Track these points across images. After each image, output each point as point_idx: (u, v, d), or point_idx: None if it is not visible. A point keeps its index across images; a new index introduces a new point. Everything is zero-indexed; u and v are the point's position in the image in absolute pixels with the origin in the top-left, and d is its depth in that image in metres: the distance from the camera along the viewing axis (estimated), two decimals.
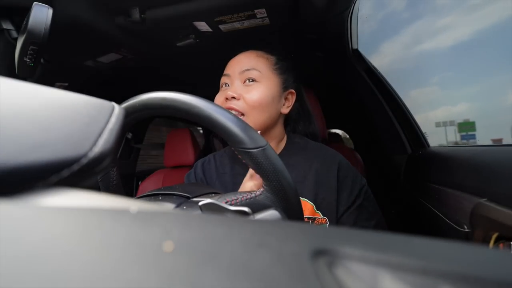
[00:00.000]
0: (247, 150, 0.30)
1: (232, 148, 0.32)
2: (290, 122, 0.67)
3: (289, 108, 0.61)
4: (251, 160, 0.31)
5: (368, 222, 0.53)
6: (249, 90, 0.55)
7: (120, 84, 1.18)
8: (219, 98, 0.58)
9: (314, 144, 0.62)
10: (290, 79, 0.62)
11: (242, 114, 0.54)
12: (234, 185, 0.59)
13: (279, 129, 0.61)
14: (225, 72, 0.60)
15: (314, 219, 0.53)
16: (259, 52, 0.61)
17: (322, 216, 0.53)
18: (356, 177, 0.56)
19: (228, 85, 0.59)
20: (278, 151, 0.61)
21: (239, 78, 0.57)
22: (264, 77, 0.57)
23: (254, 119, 0.54)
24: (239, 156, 0.32)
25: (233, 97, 0.55)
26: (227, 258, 0.08)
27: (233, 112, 0.53)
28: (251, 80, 0.56)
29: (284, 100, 0.61)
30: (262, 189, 0.33)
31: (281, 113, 0.60)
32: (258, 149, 0.30)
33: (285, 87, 0.60)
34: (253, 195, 0.33)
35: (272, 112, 0.57)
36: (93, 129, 0.15)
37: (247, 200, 0.32)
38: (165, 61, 1.04)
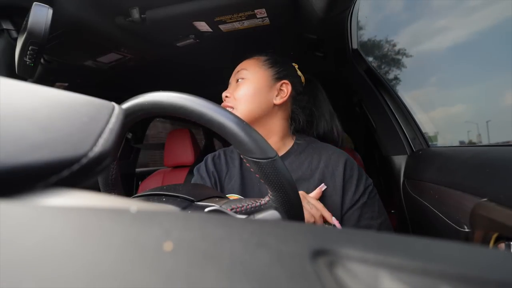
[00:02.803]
0: (256, 160, 0.30)
1: (241, 156, 0.32)
2: (296, 120, 0.67)
3: (283, 99, 0.63)
4: (259, 170, 0.31)
5: (372, 221, 0.54)
6: (237, 87, 0.63)
7: (120, 84, 1.18)
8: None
9: (321, 144, 0.64)
10: (283, 71, 0.64)
11: (232, 108, 0.61)
12: (242, 179, 0.61)
13: (276, 122, 0.63)
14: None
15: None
16: (252, 56, 0.67)
17: None
18: (361, 176, 0.57)
19: None
20: (286, 149, 0.63)
21: (232, 80, 0.66)
22: (250, 73, 0.63)
23: (242, 110, 0.60)
24: (248, 164, 0.32)
25: (227, 96, 0.63)
26: (227, 258, 0.08)
27: (228, 108, 0.59)
28: (239, 79, 0.64)
29: (277, 91, 0.63)
30: (267, 199, 0.33)
31: (274, 104, 0.62)
32: (267, 160, 0.30)
33: (276, 78, 0.63)
34: (258, 203, 0.33)
35: (261, 103, 0.61)
36: (93, 129, 0.15)
37: (252, 208, 0.32)
38: (165, 61, 1.04)
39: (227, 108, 0.56)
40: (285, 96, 0.63)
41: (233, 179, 0.62)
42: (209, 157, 0.68)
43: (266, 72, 0.63)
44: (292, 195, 0.32)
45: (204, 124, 0.31)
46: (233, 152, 0.68)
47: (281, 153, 0.62)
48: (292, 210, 0.33)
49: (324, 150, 0.61)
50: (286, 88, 0.63)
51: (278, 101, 0.62)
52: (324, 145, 0.64)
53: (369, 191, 0.56)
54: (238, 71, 0.65)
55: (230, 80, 0.67)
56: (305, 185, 0.56)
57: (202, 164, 0.67)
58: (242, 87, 0.62)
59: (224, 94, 0.64)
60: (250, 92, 0.61)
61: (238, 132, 0.30)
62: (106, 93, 1.19)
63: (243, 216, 0.28)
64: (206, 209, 0.28)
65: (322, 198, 0.55)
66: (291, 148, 0.63)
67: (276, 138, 0.63)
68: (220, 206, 0.30)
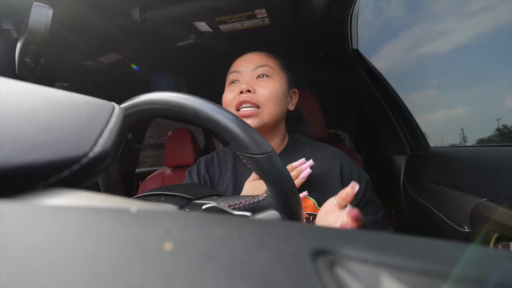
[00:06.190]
0: (252, 155, 0.30)
1: (238, 153, 0.32)
2: (290, 121, 0.68)
3: (294, 105, 0.64)
4: (256, 166, 0.31)
5: (377, 215, 0.55)
6: (263, 85, 0.57)
7: (120, 84, 1.18)
8: (230, 94, 0.58)
9: (315, 143, 0.64)
10: (293, 79, 0.65)
11: (258, 107, 0.55)
12: (235, 182, 0.60)
13: (283, 126, 0.64)
14: (235, 69, 0.61)
15: (315, 215, 0.53)
16: (267, 53, 0.63)
17: None
18: (360, 173, 0.58)
19: (238, 81, 0.60)
20: (281, 148, 0.63)
21: (251, 74, 0.59)
22: (275, 73, 0.59)
23: (269, 112, 0.56)
24: (244, 161, 0.32)
25: (248, 91, 0.56)
26: (227, 258, 0.08)
27: (248, 104, 0.55)
28: (264, 75, 0.58)
29: (289, 98, 0.63)
30: (265, 194, 0.33)
31: (288, 110, 0.63)
32: (263, 155, 0.31)
33: (290, 86, 0.63)
34: (255, 199, 0.33)
35: (283, 107, 0.59)
36: (93, 129, 0.15)
37: (250, 205, 0.32)
38: (165, 61, 1.04)
39: (251, 106, 0.54)
40: (294, 103, 0.64)
41: (226, 183, 0.60)
42: (202, 159, 0.67)
43: (285, 77, 0.61)
44: (289, 189, 0.32)
45: (200, 122, 0.31)
46: (226, 155, 0.66)
47: (278, 151, 0.62)
48: (290, 205, 0.33)
49: (319, 148, 0.61)
50: (295, 96, 0.65)
51: (291, 107, 0.63)
52: (319, 144, 0.64)
53: (369, 186, 0.57)
54: (262, 66, 0.58)
55: (242, 70, 0.59)
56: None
57: (195, 166, 0.65)
58: (271, 86, 0.57)
59: (245, 87, 0.55)
60: (279, 94, 0.57)
61: (233, 129, 0.30)
62: (106, 93, 1.19)
63: (242, 213, 0.28)
64: (204, 206, 0.28)
65: (319, 197, 0.54)
66: (286, 146, 0.63)
67: (279, 139, 0.62)
68: (218, 203, 0.30)
